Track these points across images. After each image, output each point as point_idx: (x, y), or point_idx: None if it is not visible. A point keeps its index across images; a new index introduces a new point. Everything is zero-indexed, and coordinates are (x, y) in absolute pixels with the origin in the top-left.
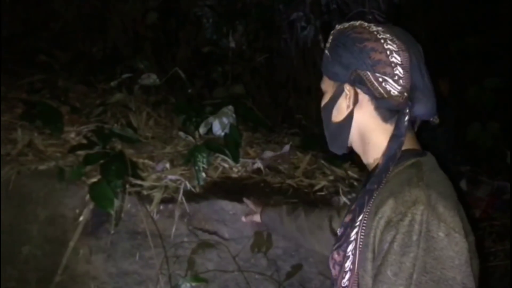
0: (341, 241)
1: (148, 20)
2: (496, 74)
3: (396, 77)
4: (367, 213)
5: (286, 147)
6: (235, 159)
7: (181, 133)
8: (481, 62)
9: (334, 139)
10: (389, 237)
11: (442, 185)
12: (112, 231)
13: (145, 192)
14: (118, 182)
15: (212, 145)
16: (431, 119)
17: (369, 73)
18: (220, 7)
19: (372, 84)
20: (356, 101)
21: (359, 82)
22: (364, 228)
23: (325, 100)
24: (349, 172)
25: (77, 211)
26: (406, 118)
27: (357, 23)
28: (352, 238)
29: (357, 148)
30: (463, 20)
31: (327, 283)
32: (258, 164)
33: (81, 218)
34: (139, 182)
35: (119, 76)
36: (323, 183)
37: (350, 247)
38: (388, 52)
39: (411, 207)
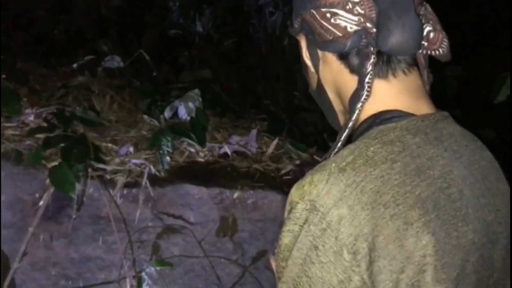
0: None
1: (113, 1)
2: (459, 62)
3: (349, 5)
4: None
5: (253, 132)
6: (202, 143)
7: (146, 117)
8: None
9: (326, 113)
10: (280, 236)
11: (384, 168)
12: (74, 216)
13: (108, 176)
14: (79, 166)
15: (177, 129)
16: (430, 52)
17: (314, 12)
18: None
19: (321, 24)
20: (313, 55)
21: (307, 29)
22: None
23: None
24: (315, 157)
25: (37, 195)
26: (371, 60)
27: None
28: None
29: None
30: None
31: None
32: (225, 149)
33: (41, 203)
34: (101, 166)
35: (81, 59)
36: (290, 167)
37: None
38: None
39: (300, 201)
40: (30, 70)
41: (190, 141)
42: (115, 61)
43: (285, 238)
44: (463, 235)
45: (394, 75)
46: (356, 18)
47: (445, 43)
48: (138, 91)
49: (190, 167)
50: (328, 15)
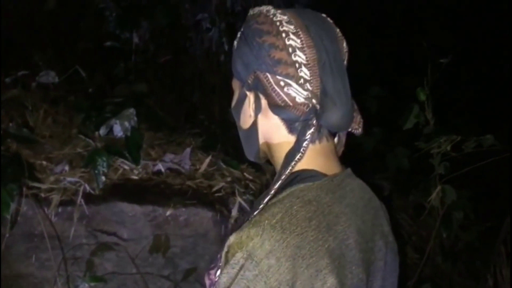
0: (217, 261)
1: (46, 7)
2: (380, 82)
3: (302, 80)
4: None
5: (187, 150)
6: (136, 162)
7: (81, 136)
8: (369, 72)
9: (245, 147)
10: (220, 275)
11: (304, 226)
12: (7, 235)
13: (43, 195)
14: (14, 185)
15: (112, 149)
16: (350, 130)
17: (269, 75)
18: (124, 1)
19: (273, 88)
20: (258, 108)
21: (258, 87)
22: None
23: (233, 101)
24: (245, 174)
25: None
26: (311, 130)
27: (265, 9)
28: (220, 263)
29: (270, 160)
30: (358, 29)
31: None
32: (159, 166)
33: None
34: (36, 184)
35: (14, 73)
36: (221, 184)
37: (218, 272)
38: (290, 50)
39: (238, 251)
40: None
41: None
42: (49, 76)
43: (224, 278)
44: (356, 276)
45: (319, 141)
46: (305, 93)
47: (361, 123)
48: (73, 105)
49: (124, 184)
50: (282, 83)
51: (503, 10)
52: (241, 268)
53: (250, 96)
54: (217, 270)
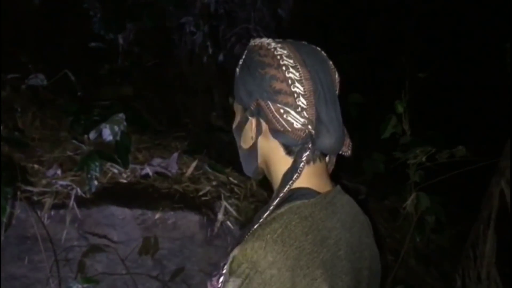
0: (220, 270)
1: (31, 5)
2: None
3: (299, 109)
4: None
5: (175, 155)
6: (126, 166)
7: (74, 140)
8: (349, 79)
9: (244, 165)
10: (227, 284)
11: (301, 240)
12: (2, 237)
13: (35, 198)
14: (9, 189)
15: (104, 154)
16: (341, 152)
17: (270, 103)
18: (109, 3)
19: (274, 115)
20: (259, 132)
21: (260, 113)
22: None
23: (234, 123)
24: (230, 178)
25: None
26: (307, 153)
27: (266, 42)
28: (224, 271)
29: (267, 176)
30: (341, 38)
31: (207, 279)
32: (147, 170)
33: None
34: (29, 188)
35: (3, 76)
36: (208, 188)
37: (221, 279)
38: (289, 81)
39: (244, 262)
40: None
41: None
42: (38, 79)
43: (230, 286)
44: (345, 283)
45: (313, 162)
46: (302, 120)
47: (350, 146)
48: (61, 108)
49: (113, 188)
50: (282, 111)
51: (479, 25)
52: (246, 277)
53: (252, 121)
54: (219, 277)
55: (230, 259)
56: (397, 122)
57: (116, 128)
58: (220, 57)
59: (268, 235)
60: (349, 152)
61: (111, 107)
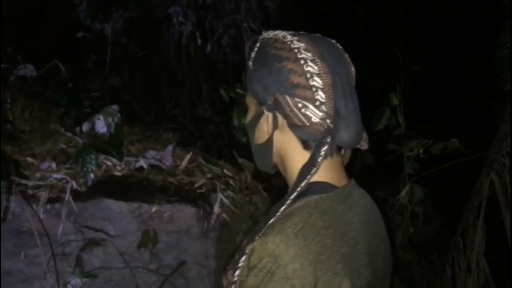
0: (235, 263)
1: None
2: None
3: (318, 103)
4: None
5: (169, 148)
6: (121, 158)
7: (62, 130)
8: None
9: (257, 159)
10: (248, 278)
11: (322, 234)
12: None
13: (30, 192)
14: (3, 183)
15: (99, 147)
16: (358, 146)
17: (288, 98)
18: None
19: (292, 109)
20: (275, 126)
21: (277, 108)
22: (246, 257)
23: (248, 117)
24: (225, 170)
25: None
26: (325, 147)
27: (281, 34)
28: (239, 265)
29: (281, 171)
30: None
31: (203, 272)
32: (141, 163)
33: None
34: (24, 181)
35: None
36: (203, 180)
37: (237, 273)
38: (308, 75)
39: (266, 256)
40: None
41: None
42: (28, 70)
43: (251, 281)
44: (364, 277)
45: (330, 156)
46: (321, 114)
47: (367, 139)
48: (50, 99)
49: (108, 181)
50: (300, 105)
51: (473, 18)
52: (268, 271)
53: (269, 115)
54: (234, 271)
55: (248, 253)
56: (391, 114)
57: (110, 120)
58: (208, 48)
59: (289, 229)
60: (366, 146)
61: (101, 99)
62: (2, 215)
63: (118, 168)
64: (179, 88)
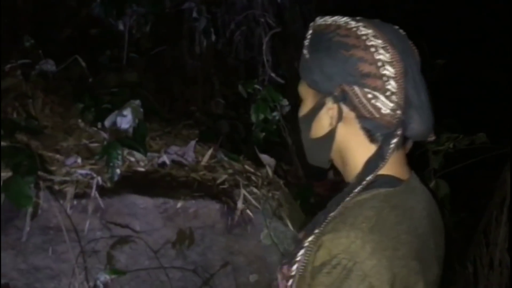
0: (291, 257)
1: None
2: None
3: (388, 93)
4: (316, 236)
5: (192, 143)
6: (145, 153)
7: (84, 126)
8: None
9: (312, 155)
10: (319, 275)
11: (396, 229)
12: (28, 228)
13: (56, 187)
14: (31, 178)
15: (125, 142)
16: (429, 139)
17: (356, 88)
18: None
19: (361, 101)
20: (340, 118)
21: (344, 99)
22: (309, 252)
23: (303, 110)
24: (246, 166)
25: None
26: (395, 140)
27: (342, 20)
28: (298, 259)
29: (337, 165)
30: None
31: (228, 268)
32: (164, 158)
33: None
34: (50, 177)
35: (14, 61)
36: (225, 176)
37: (295, 267)
38: (379, 64)
39: (341, 252)
40: None
41: (130, 150)
42: (49, 65)
43: (324, 278)
44: (434, 273)
45: (397, 148)
46: (391, 105)
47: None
48: (70, 94)
49: (132, 177)
50: (370, 95)
51: (500, 12)
52: (343, 268)
53: (334, 109)
54: (291, 266)
55: (311, 248)
56: None
57: (134, 115)
58: (220, 44)
59: (363, 224)
60: (434, 137)
61: (119, 94)
62: (31, 209)
63: (141, 163)
64: (192, 84)
